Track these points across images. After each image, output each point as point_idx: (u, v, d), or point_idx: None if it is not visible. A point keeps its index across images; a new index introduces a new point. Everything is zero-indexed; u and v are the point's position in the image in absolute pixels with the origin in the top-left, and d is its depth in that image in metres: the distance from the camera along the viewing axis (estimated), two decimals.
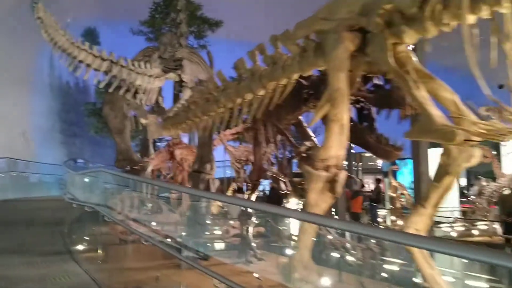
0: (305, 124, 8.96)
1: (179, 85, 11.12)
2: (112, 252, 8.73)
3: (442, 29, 3.66)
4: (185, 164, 21.05)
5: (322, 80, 6.51)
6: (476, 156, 3.86)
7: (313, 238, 4.11)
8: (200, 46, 30.12)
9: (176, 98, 20.35)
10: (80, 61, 8.52)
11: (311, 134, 8.90)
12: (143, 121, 10.61)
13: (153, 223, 10.45)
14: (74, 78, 34.22)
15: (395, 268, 7.24)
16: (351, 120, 6.09)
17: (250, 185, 9.75)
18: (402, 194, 20.16)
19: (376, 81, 5.91)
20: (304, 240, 3.98)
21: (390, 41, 3.80)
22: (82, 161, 27.24)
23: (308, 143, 7.64)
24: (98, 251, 8.52)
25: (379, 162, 33.01)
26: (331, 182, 3.92)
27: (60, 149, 31.08)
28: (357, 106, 6.29)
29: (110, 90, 9.47)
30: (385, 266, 6.93)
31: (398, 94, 5.46)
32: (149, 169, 15.30)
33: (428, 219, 4.25)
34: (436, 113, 3.68)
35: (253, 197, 9.86)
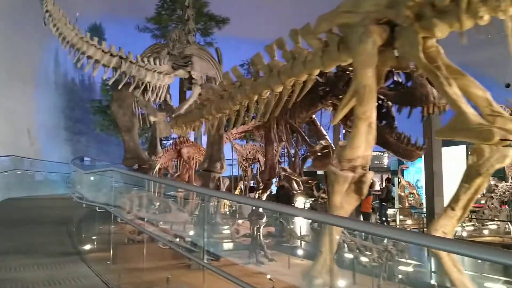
0: (317, 122, 8.77)
1: (189, 82, 10.93)
2: (121, 252, 8.56)
3: (477, 22, 3.46)
4: (192, 162, 20.97)
5: (338, 77, 6.32)
6: (509, 156, 3.66)
7: (336, 242, 3.92)
8: (206, 43, 29.94)
9: (182, 95, 20.22)
10: (89, 57, 8.33)
11: (324, 132, 8.71)
12: (152, 119, 10.41)
13: (165, 223, 10.32)
14: (79, 75, 34.16)
15: (412, 269, 7.06)
16: None
17: (261, 184, 9.53)
18: (411, 193, 19.95)
19: (396, 78, 5.70)
20: (328, 243, 3.79)
21: (420, 35, 3.60)
22: (89, 159, 27.13)
23: (323, 142, 7.44)
24: (107, 251, 8.36)
25: (385, 161, 32.80)
26: (358, 184, 3.73)
27: (65, 146, 31.01)
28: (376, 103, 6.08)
29: (119, 87, 9.29)
30: (403, 268, 6.74)
31: (420, 92, 5.26)
32: (157, 167, 15.17)
33: (456, 222, 4.06)
34: (469, 111, 3.48)
35: (264, 197, 9.66)
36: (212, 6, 30.71)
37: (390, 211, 19.60)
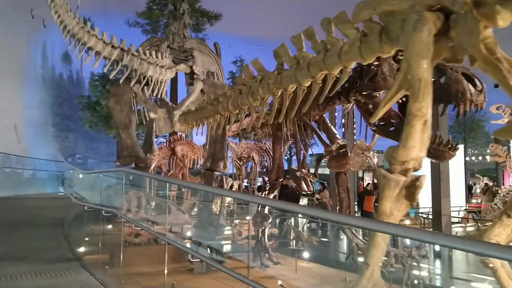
0: (327, 121, 8.38)
1: (190, 77, 10.44)
2: (122, 256, 8.11)
3: None
4: (186, 160, 20.49)
5: (361, 72, 5.93)
6: None
7: (384, 252, 3.53)
8: (198, 39, 29.42)
9: (173, 93, 19.58)
10: (90, 48, 7.80)
11: (335, 131, 8.32)
12: (152, 115, 9.91)
13: (172, 224, 9.89)
14: (67, 70, 33.34)
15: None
16: (399, 116, 5.52)
17: (269, 184, 9.12)
18: None
19: None
20: (375, 255, 3.40)
21: (481, 23, 3.22)
22: (80, 156, 26.43)
23: (340, 141, 7.04)
24: (106, 255, 7.91)
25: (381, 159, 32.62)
26: (410, 188, 3.34)
27: (52, 143, 30.21)
28: (403, 100, 5.72)
29: (121, 81, 8.78)
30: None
31: (455, 88, 4.89)
32: (153, 166, 14.68)
33: (511, 230, 3.70)
34: None
35: (271, 197, 9.24)
36: (204, 2, 30.19)
37: None
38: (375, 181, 15.84)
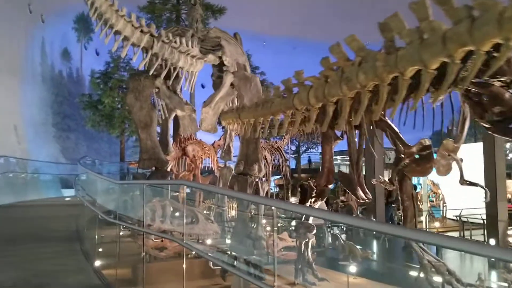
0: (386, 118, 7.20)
1: (218, 69, 9.22)
2: (152, 273, 6.98)
3: None
4: (198, 161, 19.34)
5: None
6: None
7: None
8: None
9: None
10: (117, 32, 6.60)
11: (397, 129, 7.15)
12: (179, 112, 8.71)
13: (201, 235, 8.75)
14: (67, 68, 31.99)
15: None
16: None
17: (317, 191, 7.93)
18: (435, 193, 18.62)
19: None
20: None
21: None
22: (90, 159, 25.13)
23: (426, 141, 5.85)
24: (137, 273, 6.73)
25: (391, 156, 31.46)
26: None
27: (53, 144, 28.89)
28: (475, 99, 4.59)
29: (151, 72, 7.58)
30: None
31: None
32: (169, 168, 13.46)
33: None
34: None
35: (317, 206, 8.08)
36: None
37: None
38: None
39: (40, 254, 6.95)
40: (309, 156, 38.05)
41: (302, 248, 8.56)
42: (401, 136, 6.06)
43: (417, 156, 5.81)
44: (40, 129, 28.05)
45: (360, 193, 7.69)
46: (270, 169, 20.36)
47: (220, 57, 9.03)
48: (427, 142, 5.72)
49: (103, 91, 27.98)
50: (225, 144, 12.86)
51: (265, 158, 20.83)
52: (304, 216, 8.24)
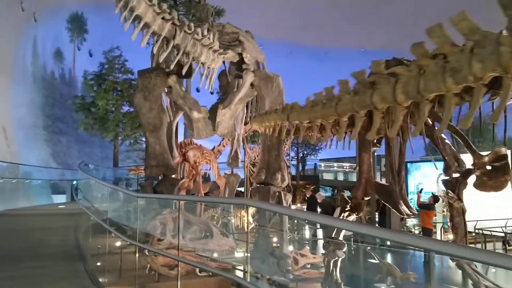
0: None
1: (237, 67, 8.33)
2: None
3: None
4: (199, 167, 18.45)
5: None
6: None
7: None
8: None
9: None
10: (138, 17, 5.70)
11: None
12: (196, 115, 7.80)
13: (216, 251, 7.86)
14: (59, 68, 30.86)
15: None
16: None
17: (352, 204, 7.08)
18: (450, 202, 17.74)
19: None
20: None
21: None
22: (91, 165, 23.97)
23: (503, 149, 5.00)
24: None
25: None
26: None
27: (43, 147, 27.70)
28: None
29: (172, 67, 6.68)
30: None
31: None
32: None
33: None
34: None
35: (351, 219, 7.22)
36: None
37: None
38: (435, 194, 13.86)
39: (37, 276, 5.97)
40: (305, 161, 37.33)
41: (330, 267, 7.72)
42: (471, 143, 5.23)
43: (489, 168, 4.98)
44: (30, 131, 26.86)
45: (404, 208, 6.85)
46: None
47: (240, 54, 8.17)
48: (503, 151, 4.88)
49: (96, 93, 27.02)
50: (232, 150, 11.98)
51: None
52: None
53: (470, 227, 16.29)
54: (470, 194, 6.03)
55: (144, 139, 31.15)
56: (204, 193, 18.15)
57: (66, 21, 35.98)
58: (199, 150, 17.67)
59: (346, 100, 3.69)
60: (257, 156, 19.36)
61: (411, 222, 18.21)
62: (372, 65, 3.49)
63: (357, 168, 9.36)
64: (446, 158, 6.47)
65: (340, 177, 37.42)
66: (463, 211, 6.28)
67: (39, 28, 28.19)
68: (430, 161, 18.06)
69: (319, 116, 4.03)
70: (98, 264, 6.81)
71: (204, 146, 17.86)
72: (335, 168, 37.76)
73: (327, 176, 36.33)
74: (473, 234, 15.34)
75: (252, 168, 17.91)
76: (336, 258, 7.61)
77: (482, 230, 14.17)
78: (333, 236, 7.64)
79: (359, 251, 8.05)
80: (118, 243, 7.27)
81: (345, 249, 7.55)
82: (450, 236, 16.18)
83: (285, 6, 51.78)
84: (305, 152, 34.43)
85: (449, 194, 5.80)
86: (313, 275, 8.96)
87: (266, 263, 7.60)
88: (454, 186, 6.38)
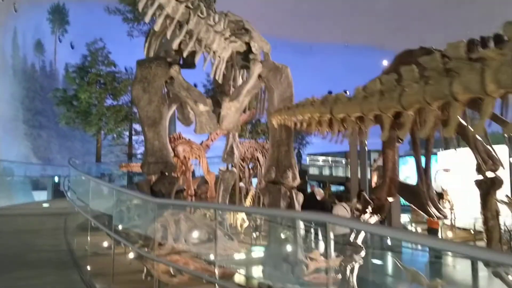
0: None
1: (243, 58, 7.68)
2: None
3: None
4: (188, 163, 17.82)
5: None
6: None
7: None
8: None
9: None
10: None
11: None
12: (202, 107, 7.15)
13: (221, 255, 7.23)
14: (40, 60, 29.71)
15: None
16: None
17: (375, 204, 6.54)
18: (444, 200, 17.52)
19: None
20: None
21: None
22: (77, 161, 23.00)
23: None
24: None
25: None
26: None
27: (23, 142, 26.61)
28: None
29: (185, 54, 6.02)
30: None
31: None
32: None
33: None
34: None
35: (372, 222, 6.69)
36: None
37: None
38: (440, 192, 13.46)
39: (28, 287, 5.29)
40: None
41: (347, 273, 7.20)
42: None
43: None
44: (10, 125, 25.75)
45: (433, 209, 6.35)
46: (263, 171, 18.95)
47: (247, 43, 7.54)
48: None
49: (79, 86, 26.10)
50: (227, 145, 11.34)
51: (258, 160, 19.44)
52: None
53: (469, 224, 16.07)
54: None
55: (127, 133, 30.50)
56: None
57: (47, 12, 34.73)
58: (188, 144, 16.99)
59: (414, 89, 3.12)
60: (247, 151, 18.79)
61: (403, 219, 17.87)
62: (449, 49, 2.92)
63: (375, 164, 8.82)
64: (479, 155, 6.00)
65: (326, 171, 37.10)
66: (497, 214, 5.82)
67: (19, 19, 27.02)
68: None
69: (375, 109, 3.45)
70: (96, 272, 6.13)
71: (193, 141, 17.24)
72: (321, 163, 37.41)
73: (312, 171, 36.00)
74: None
75: (242, 162, 17.34)
76: (353, 262, 7.12)
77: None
78: (351, 239, 7.14)
79: (383, 257, 7.53)
80: (120, 249, 6.59)
81: (363, 253, 7.05)
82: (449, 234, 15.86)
83: (269, 1, 51.21)
84: (300, 146, 33.96)
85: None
86: (324, 280, 8.40)
87: (279, 269, 7.03)
88: (490, 187, 5.91)
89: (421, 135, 4.06)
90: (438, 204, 6.25)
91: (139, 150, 32.95)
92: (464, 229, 16.97)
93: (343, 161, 34.89)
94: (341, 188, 29.91)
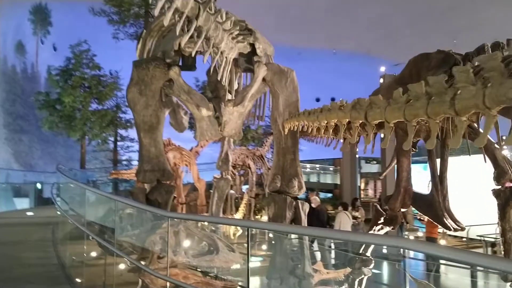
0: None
1: (247, 60, 7.32)
2: None
3: None
4: (179, 170, 17.47)
5: None
6: None
7: None
8: None
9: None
10: None
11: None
12: (204, 112, 6.74)
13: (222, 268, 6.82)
14: (21, 62, 28.86)
15: None
16: None
17: (387, 215, 6.23)
18: None
19: None
20: None
21: None
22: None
23: None
24: None
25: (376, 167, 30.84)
26: None
27: (4, 147, 25.68)
28: None
29: (193, 53, 5.62)
30: None
31: None
32: None
33: None
34: None
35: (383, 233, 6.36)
36: None
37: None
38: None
39: None
40: None
41: (355, 286, 6.89)
42: None
43: None
44: None
45: (450, 221, 6.04)
46: (254, 179, 18.59)
47: (251, 44, 7.18)
48: None
49: (62, 89, 25.36)
50: (222, 152, 10.96)
51: (249, 167, 19.09)
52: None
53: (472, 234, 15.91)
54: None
55: (112, 139, 29.81)
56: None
57: (29, 12, 33.79)
58: (178, 151, 16.59)
59: (470, 93, 2.78)
60: (238, 158, 18.41)
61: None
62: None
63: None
64: (499, 165, 5.76)
65: (314, 179, 37.04)
66: None
67: (0, 19, 26.21)
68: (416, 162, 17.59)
69: (421, 114, 3.11)
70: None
71: (183, 147, 16.82)
72: (308, 170, 37.30)
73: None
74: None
75: (233, 170, 16.93)
76: (362, 276, 6.80)
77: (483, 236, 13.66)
78: (360, 251, 6.81)
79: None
80: (121, 265, 6.13)
81: (372, 266, 6.74)
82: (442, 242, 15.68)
83: (258, 6, 51.07)
84: None
85: None
86: None
87: (286, 283, 6.64)
88: (509, 198, 5.64)
89: (452, 144, 3.75)
90: (454, 215, 5.96)
91: (124, 156, 32.26)
92: (456, 237, 16.87)
93: (331, 168, 34.89)
94: (329, 195, 29.86)
